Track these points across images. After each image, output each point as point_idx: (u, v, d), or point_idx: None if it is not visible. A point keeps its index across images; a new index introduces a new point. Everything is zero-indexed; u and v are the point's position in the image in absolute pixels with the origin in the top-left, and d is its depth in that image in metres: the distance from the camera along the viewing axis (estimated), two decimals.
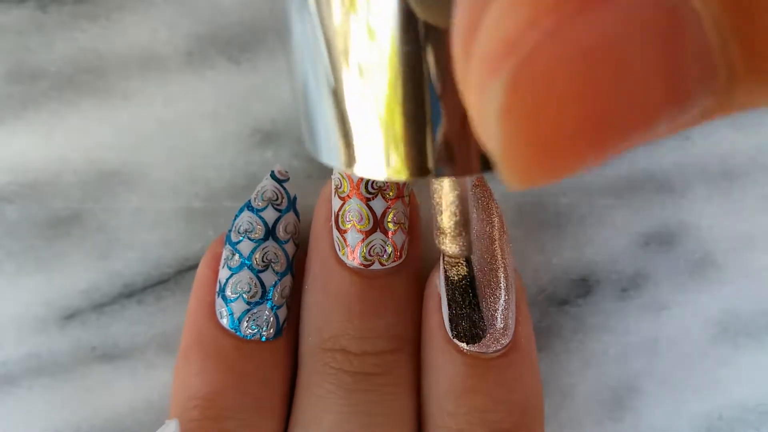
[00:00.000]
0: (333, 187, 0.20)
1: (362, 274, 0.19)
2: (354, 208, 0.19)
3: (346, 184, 0.19)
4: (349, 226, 0.19)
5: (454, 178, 0.14)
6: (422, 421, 0.19)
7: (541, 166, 0.08)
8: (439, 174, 0.12)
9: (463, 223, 0.15)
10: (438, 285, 0.20)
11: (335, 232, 0.19)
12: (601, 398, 0.23)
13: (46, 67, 0.22)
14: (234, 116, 0.22)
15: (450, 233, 0.15)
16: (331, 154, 0.13)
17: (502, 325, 0.19)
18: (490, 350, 0.19)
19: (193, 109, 0.22)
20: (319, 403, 0.19)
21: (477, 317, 0.18)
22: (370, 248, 0.19)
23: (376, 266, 0.19)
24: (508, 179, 0.08)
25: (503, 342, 0.19)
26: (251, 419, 0.19)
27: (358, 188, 0.19)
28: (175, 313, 0.22)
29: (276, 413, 0.19)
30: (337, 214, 0.19)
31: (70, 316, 0.22)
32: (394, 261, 0.19)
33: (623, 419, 0.23)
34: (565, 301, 0.23)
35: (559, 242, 0.23)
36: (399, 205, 0.19)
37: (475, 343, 0.19)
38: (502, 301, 0.19)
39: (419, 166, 0.12)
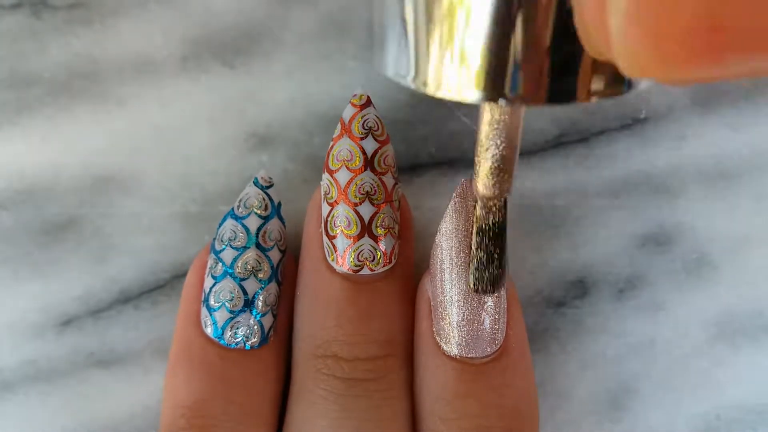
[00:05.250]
0: (322, 192, 0.20)
1: (352, 279, 0.19)
2: (342, 214, 0.19)
3: (333, 189, 0.19)
4: (337, 231, 0.19)
5: (512, 109, 0.14)
6: (416, 426, 0.19)
7: (658, 57, 0.09)
8: (512, 97, 0.12)
9: (508, 163, 0.15)
10: (428, 289, 0.20)
11: (324, 238, 0.19)
12: (598, 400, 0.23)
13: (41, 73, 0.22)
14: (229, 120, 0.22)
15: (492, 172, 0.15)
16: (400, 67, 0.13)
17: (490, 330, 0.19)
18: (480, 355, 0.19)
19: (188, 114, 0.22)
20: (311, 409, 0.19)
21: (504, 263, 0.18)
22: (359, 253, 0.19)
23: (365, 271, 0.19)
24: (626, 67, 0.09)
25: (493, 347, 0.19)
26: (238, 427, 0.19)
27: (346, 194, 0.19)
28: (171, 318, 0.22)
29: (264, 421, 0.19)
30: (326, 220, 0.19)
31: (67, 322, 0.22)
32: (384, 266, 0.19)
33: (621, 420, 0.23)
34: (562, 302, 0.23)
35: (556, 244, 0.23)
36: (387, 210, 0.19)
37: (497, 290, 0.18)
38: (490, 304, 0.19)
39: (494, 87, 0.12)
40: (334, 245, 0.19)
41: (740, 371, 0.23)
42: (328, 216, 0.19)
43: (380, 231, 0.19)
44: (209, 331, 0.19)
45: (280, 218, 0.20)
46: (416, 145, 0.22)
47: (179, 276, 0.22)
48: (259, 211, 0.20)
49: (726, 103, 0.23)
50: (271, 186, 0.20)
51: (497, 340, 0.19)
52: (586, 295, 0.23)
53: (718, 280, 0.23)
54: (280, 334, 0.20)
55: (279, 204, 0.20)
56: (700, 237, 0.23)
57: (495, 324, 0.19)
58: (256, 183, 0.20)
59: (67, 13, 0.22)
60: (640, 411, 0.23)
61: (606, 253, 0.23)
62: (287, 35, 0.22)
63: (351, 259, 0.19)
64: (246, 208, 0.20)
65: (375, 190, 0.19)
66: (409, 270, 0.20)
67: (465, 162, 0.23)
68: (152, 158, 0.22)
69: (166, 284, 0.22)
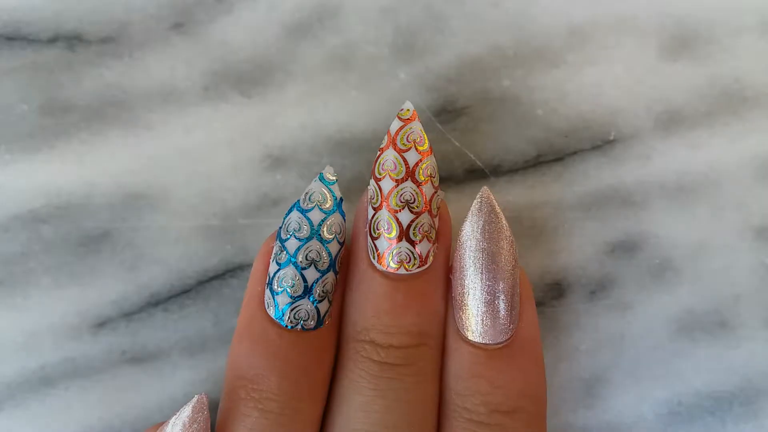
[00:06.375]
0: (368, 197, 0.20)
1: (391, 277, 0.20)
2: (384, 219, 0.20)
3: (378, 196, 0.20)
4: (379, 233, 0.20)
5: None
6: (440, 403, 0.20)
7: None
8: None
9: None
10: (452, 284, 0.21)
11: (369, 239, 0.20)
12: (574, 388, 0.24)
13: (76, 102, 0.23)
14: (247, 143, 0.23)
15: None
16: None
17: (503, 320, 0.20)
18: (494, 342, 0.20)
19: (210, 138, 0.23)
20: (351, 386, 0.20)
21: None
22: (397, 255, 0.20)
23: (402, 271, 0.20)
24: None
25: (506, 335, 0.20)
26: (291, 402, 0.19)
27: (388, 201, 0.20)
28: (196, 319, 0.23)
29: (315, 397, 0.20)
30: (370, 223, 0.20)
31: (102, 323, 0.23)
32: (419, 267, 0.20)
33: (594, 407, 0.24)
34: (541, 303, 0.24)
35: (535, 251, 0.23)
36: (425, 218, 0.20)
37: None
38: (504, 298, 0.20)
39: None
40: (376, 246, 0.20)
41: (699, 362, 0.24)
42: (372, 219, 0.20)
43: (417, 236, 0.20)
44: (271, 311, 0.20)
45: (341, 213, 0.20)
46: None
47: (203, 282, 0.23)
48: (322, 206, 0.20)
49: (685, 125, 0.23)
50: (334, 182, 0.20)
51: (510, 329, 0.20)
52: (562, 296, 0.24)
53: (680, 282, 0.24)
54: (335, 319, 0.21)
55: (341, 199, 0.20)
56: (663, 244, 0.24)
57: (508, 315, 0.20)
58: (321, 179, 0.20)
59: (99, 47, 0.23)
60: (611, 398, 0.24)
61: (579, 259, 0.23)
62: (297, 68, 0.23)
63: (390, 259, 0.20)
64: (311, 201, 0.20)
65: (414, 199, 0.20)
66: (444, 270, 0.21)
67: (454, 180, 0.23)
68: (178, 177, 0.23)
69: (191, 289, 0.23)
